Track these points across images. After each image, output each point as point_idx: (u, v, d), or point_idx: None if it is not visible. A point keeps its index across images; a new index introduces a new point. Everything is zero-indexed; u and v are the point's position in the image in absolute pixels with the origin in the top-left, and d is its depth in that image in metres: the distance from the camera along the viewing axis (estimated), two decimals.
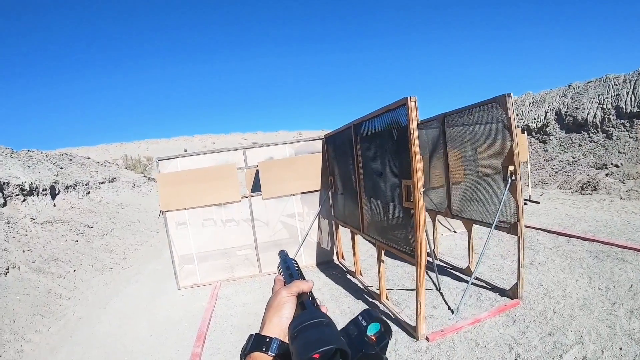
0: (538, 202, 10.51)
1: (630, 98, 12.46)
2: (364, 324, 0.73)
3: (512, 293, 5.21)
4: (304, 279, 0.92)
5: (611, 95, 12.93)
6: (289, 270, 0.98)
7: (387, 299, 5.68)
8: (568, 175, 12.12)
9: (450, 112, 6.03)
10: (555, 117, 13.98)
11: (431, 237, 7.03)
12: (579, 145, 12.88)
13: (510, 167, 4.89)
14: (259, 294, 6.86)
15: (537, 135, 14.39)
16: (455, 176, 6.17)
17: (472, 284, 5.72)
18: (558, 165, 12.75)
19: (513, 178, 4.86)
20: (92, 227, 10.68)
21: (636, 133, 12.11)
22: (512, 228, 5.04)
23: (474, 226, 5.99)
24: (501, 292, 5.43)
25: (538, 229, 8.07)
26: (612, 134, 12.58)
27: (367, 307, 1.04)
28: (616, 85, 13.07)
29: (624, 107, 12.50)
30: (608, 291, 5.01)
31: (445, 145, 6.25)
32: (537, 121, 14.48)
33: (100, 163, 15.97)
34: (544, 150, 13.71)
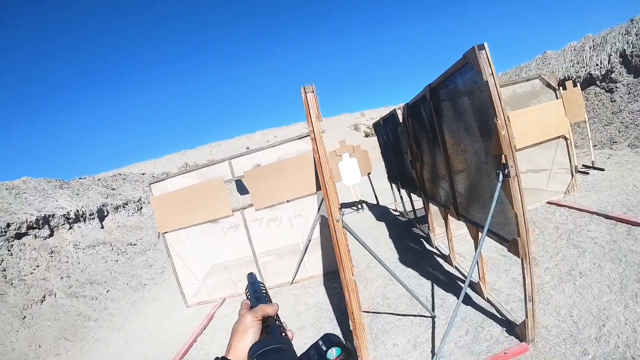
0: (603, 169, 7.81)
1: None
2: (324, 349, 0.69)
3: (520, 332, 3.28)
4: (271, 302, 0.86)
5: None
6: (256, 293, 0.90)
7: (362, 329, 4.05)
8: None
9: (434, 82, 4.10)
10: (620, 59, 10.63)
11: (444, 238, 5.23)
12: None
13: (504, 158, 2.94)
14: None
15: (602, 83, 11.14)
16: (457, 165, 4.23)
17: (481, 309, 3.94)
18: (628, 117, 9.62)
19: (505, 172, 2.90)
20: (134, 245, 10.09)
21: None
22: (512, 246, 3.10)
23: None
24: (510, 327, 3.50)
25: (592, 213, 5.59)
26: None
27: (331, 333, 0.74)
28: None
29: None
30: None
31: (441, 126, 4.32)
32: (601, 67, 11.21)
33: (156, 176, 15.56)
34: (612, 101, 10.51)
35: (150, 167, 37.42)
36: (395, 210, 9.99)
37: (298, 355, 0.70)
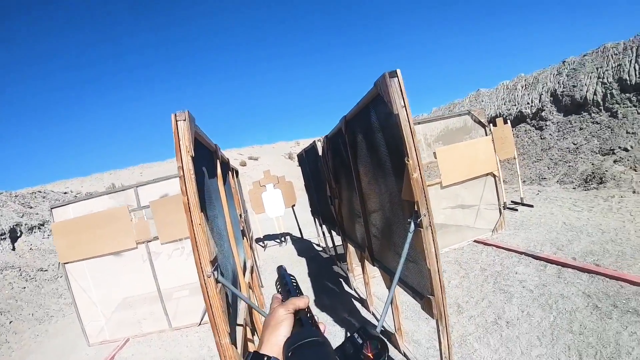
0: (532, 206, 7.59)
1: (634, 67, 9.24)
2: (360, 342, 0.66)
3: None
4: (302, 294, 0.82)
5: (612, 67, 9.70)
6: (287, 286, 0.86)
7: None
8: (569, 166, 9.01)
9: (349, 114, 3.55)
10: (551, 98, 10.74)
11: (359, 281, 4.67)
12: (580, 129, 9.68)
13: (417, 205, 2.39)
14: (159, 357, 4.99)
15: (533, 121, 11.22)
16: (371, 207, 3.66)
17: None
18: (557, 154, 9.63)
19: (418, 221, 2.33)
20: (45, 271, 8.85)
21: None
22: (425, 305, 2.55)
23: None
24: None
25: (521, 253, 5.23)
26: (617, 111, 9.38)
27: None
28: (616, 54, 9.82)
29: (628, 78, 9.30)
30: None
31: (356, 162, 3.74)
32: (532, 106, 11.30)
33: (79, 195, 14.31)
34: (541, 139, 10.55)
35: (77, 186, 34.22)
36: (318, 245, 9.32)
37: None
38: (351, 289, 5.50)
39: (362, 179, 3.68)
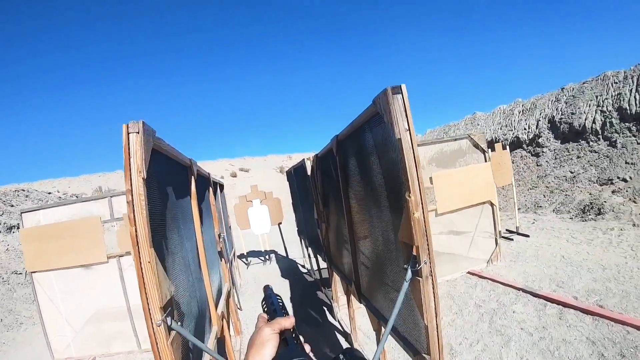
0: (528, 235, 7.22)
1: (635, 97, 8.98)
2: None
3: None
4: (287, 314, 0.79)
5: (611, 96, 9.45)
6: (273, 306, 0.84)
7: None
8: (566, 195, 8.69)
9: (341, 133, 3.15)
10: (549, 125, 10.47)
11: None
12: (578, 157, 9.40)
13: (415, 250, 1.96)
14: None
15: (529, 147, 10.93)
16: (361, 239, 3.23)
17: None
18: (553, 182, 9.31)
19: (417, 267, 1.91)
20: (20, 274, 8.33)
21: None
22: None
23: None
24: None
25: (519, 289, 4.80)
26: (616, 140, 9.11)
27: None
28: (616, 83, 9.57)
29: (628, 107, 9.04)
30: None
31: (347, 187, 3.33)
32: (528, 131, 11.03)
33: (65, 196, 13.80)
34: (537, 165, 10.24)
35: (65, 186, 33.06)
36: (304, 267, 8.80)
37: None
38: (335, 319, 5.05)
39: (353, 206, 3.26)
